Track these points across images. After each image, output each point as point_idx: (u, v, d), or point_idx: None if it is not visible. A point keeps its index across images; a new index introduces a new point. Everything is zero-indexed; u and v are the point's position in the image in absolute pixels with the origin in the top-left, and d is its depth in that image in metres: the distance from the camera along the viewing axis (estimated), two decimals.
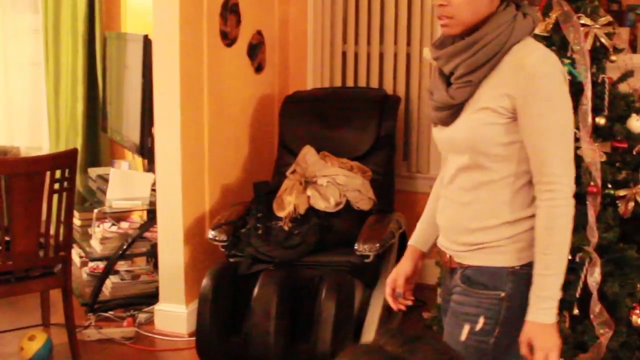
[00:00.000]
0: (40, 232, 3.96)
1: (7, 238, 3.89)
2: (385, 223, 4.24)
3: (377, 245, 3.98)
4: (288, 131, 4.86)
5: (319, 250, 4.16)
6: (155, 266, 4.80)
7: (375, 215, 4.34)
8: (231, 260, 4.20)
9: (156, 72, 4.36)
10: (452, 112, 2.18)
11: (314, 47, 5.32)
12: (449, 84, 2.20)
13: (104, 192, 5.00)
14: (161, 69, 4.34)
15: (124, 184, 4.96)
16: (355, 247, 3.98)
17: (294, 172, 4.54)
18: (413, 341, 1.18)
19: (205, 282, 3.99)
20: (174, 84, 4.30)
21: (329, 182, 4.34)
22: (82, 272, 5.24)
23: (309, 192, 4.35)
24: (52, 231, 4.05)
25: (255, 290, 3.90)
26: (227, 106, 4.73)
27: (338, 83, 5.31)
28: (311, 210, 4.30)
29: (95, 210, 5.01)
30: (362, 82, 5.22)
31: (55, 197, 3.96)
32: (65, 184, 3.96)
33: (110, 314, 4.71)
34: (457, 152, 2.21)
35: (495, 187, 2.16)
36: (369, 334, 4.09)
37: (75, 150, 4.01)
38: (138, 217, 5.14)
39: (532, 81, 2.06)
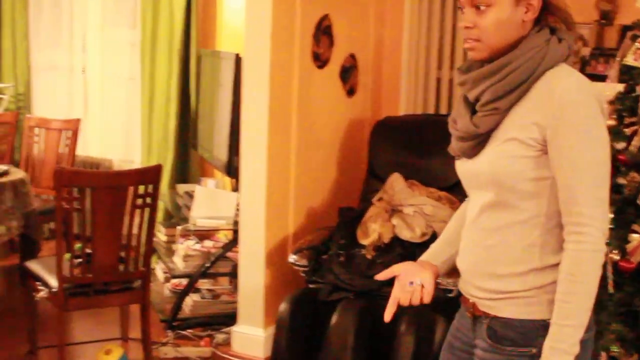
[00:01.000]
0: (122, 247, 3.96)
1: (88, 250, 3.90)
2: None
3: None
4: (377, 157, 4.76)
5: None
6: (237, 287, 4.76)
7: None
8: (311, 286, 4.12)
9: (245, 91, 4.33)
10: (476, 142, 2.00)
11: (408, 72, 5.22)
12: (473, 111, 2.02)
13: (189, 209, 5.00)
14: (251, 88, 4.30)
15: (209, 202, 4.93)
16: (438, 281, 3.83)
17: (380, 199, 4.44)
18: None
19: (283, 307, 3.92)
20: (263, 104, 4.26)
21: (415, 211, 4.23)
22: (164, 287, 5.23)
23: (395, 220, 4.25)
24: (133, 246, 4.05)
25: (334, 318, 3.81)
26: (316, 128, 4.67)
27: (431, 110, 5.19)
28: (396, 239, 4.19)
29: (179, 227, 5.00)
30: None
31: (138, 212, 3.96)
32: (149, 199, 3.95)
33: (188, 332, 4.69)
34: (481, 188, 2.02)
35: (523, 229, 1.96)
36: None
37: (159, 167, 4.00)
38: (223, 236, 5.11)
39: (563, 110, 1.87)
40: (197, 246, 4.96)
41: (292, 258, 4.18)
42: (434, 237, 4.19)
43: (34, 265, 4.25)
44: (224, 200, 4.93)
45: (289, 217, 4.54)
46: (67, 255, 3.95)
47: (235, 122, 4.59)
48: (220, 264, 4.84)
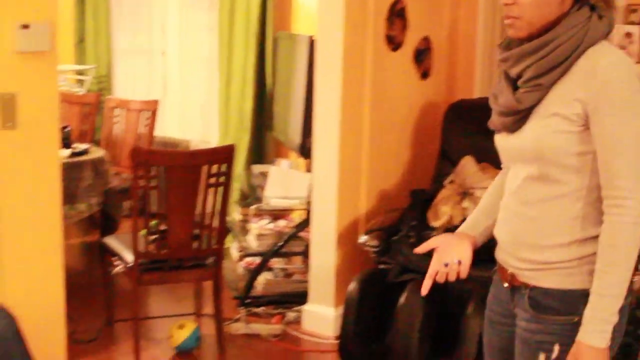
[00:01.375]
0: (195, 224, 4.05)
1: (163, 227, 4.01)
2: None
3: None
4: (450, 140, 4.76)
5: (471, 265, 4.04)
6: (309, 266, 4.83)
7: None
8: (380, 266, 4.15)
9: (318, 74, 4.38)
10: (518, 117, 2.03)
11: (483, 54, 5.18)
12: (515, 87, 2.06)
13: (264, 190, 5.08)
14: (323, 70, 4.35)
15: (282, 182, 5.01)
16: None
17: (452, 182, 4.44)
18: None
19: (352, 286, 3.96)
20: (335, 86, 4.30)
21: None
22: (238, 266, 5.33)
23: (466, 203, 4.25)
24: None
25: (402, 299, 3.83)
26: (389, 111, 4.69)
27: None
28: None
29: (253, 207, 5.09)
30: None
31: (212, 191, 4.05)
32: (222, 178, 4.04)
33: (260, 309, 4.77)
34: (523, 162, 2.05)
35: (565, 201, 2.01)
36: None
37: (232, 147, 4.08)
38: (297, 217, 5.18)
39: (605, 86, 1.90)
40: (271, 226, 5.04)
41: (362, 238, 4.22)
42: None
43: (111, 241, 4.38)
44: (297, 181, 5.00)
45: (360, 198, 4.58)
46: (143, 232, 4.07)
47: (308, 104, 4.65)
48: (293, 244, 4.92)
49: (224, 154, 4.03)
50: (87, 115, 6.17)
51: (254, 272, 4.89)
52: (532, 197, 2.05)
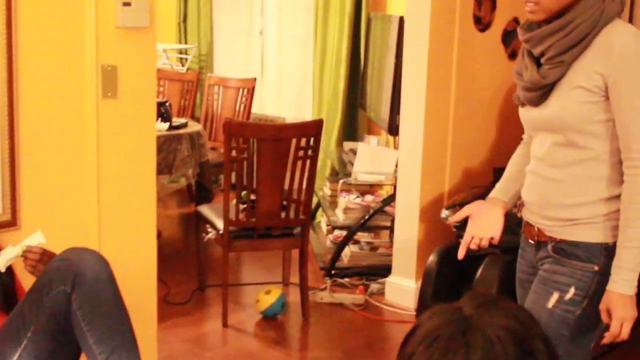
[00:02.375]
0: (284, 195, 4.25)
1: (253, 197, 4.21)
2: None
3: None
4: None
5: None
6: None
7: None
8: (460, 240, 4.25)
9: (406, 53, 4.51)
10: (542, 92, 2.21)
11: None
12: (539, 65, 2.22)
13: (352, 165, 5.24)
14: (411, 50, 4.48)
15: (371, 158, 5.16)
16: None
17: None
18: (489, 304, 1.24)
19: (431, 259, 4.09)
20: (422, 65, 4.42)
21: None
22: (327, 239, 5.51)
23: None
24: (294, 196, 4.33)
25: (479, 272, 3.94)
26: (475, 90, 4.78)
27: None
28: None
29: (341, 181, 5.26)
30: None
31: (300, 163, 4.23)
32: (310, 152, 4.22)
33: (345, 280, 4.95)
34: (550, 131, 2.23)
35: (591, 164, 2.19)
36: None
37: (320, 121, 4.25)
38: (385, 192, 5.33)
39: (622, 60, 2.10)
40: (358, 200, 5.21)
41: (444, 213, 4.33)
42: None
43: (205, 210, 4.62)
44: (385, 157, 5.15)
45: (445, 175, 4.70)
46: (234, 201, 4.28)
47: (397, 83, 4.78)
48: (381, 218, 5.07)
49: (313, 128, 4.21)
50: (187, 92, 6.44)
51: (341, 245, 5.07)
52: (559, 161, 2.23)
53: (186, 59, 7.05)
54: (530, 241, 2.38)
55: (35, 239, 2.52)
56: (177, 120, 5.32)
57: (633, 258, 2.11)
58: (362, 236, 5.22)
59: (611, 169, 2.18)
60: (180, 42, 7.08)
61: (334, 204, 5.47)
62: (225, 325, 4.29)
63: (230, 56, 7.22)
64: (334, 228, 5.32)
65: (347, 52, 6.07)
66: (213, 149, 6.08)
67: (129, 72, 3.13)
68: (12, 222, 2.90)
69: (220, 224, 4.29)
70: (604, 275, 2.15)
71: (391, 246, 5.07)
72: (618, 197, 2.17)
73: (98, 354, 2.26)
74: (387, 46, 5.24)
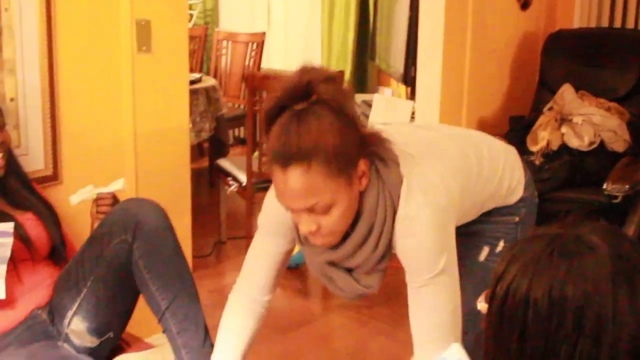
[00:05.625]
0: None
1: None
2: (638, 166, 4.19)
3: (627, 186, 3.94)
4: (549, 69, 4.88)
5: (568, 187, 4.20)
6: None
7: (628, 157, 4.29)
8: None
9: (422, 3, 4.53)
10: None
11: None
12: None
13: (367, 117, 5.27)
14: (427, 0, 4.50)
15: (386, 110, 5.20)
16: (604, 187, 3.97)
17: (550, 108, 4.58)
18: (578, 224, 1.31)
19: None
20: (439, 15, 4.44)
21: (584, 120, 4.35)
22: None
23: (564, 129, 4.38)
24: None
25: None
26: (490, 41, 4.82)
27: (605, 23, 5.22)
28: (564, 147, 4.32)
29: None
30: (630, 24, 5.11)
31: None
32: None
33: None
34: None
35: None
36: None
37: (341, 72, 4.29)
38: None
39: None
40: None
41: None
42: (601, 145, 4.31)
43: (225, 163, 4.67)
44: (400, 108, 5.19)
45: (461, 125, 4.74)
46: (255, 154, 4.33)
47: (412, 33, 4.80)
48: None
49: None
50: (195, 48, 6.45)
51: None
52: None
53: (192, 15, 7.04)
54: None
55: (117, 185, 2.57)
56: (191, 76, 5.33)
57: None
58: None
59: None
60: None
61: None
62: None
63: (236, 10, 7.21)
64: None
65: (357, 3, 6.07)
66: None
67: (162, 26, 3.18)
68: (54, 177, 2.96)
69: (242, 177, 4.34)
70: (525, 223, 2.31)
71: None
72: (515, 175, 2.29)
73: (161, 300, 2.33)
74: None
